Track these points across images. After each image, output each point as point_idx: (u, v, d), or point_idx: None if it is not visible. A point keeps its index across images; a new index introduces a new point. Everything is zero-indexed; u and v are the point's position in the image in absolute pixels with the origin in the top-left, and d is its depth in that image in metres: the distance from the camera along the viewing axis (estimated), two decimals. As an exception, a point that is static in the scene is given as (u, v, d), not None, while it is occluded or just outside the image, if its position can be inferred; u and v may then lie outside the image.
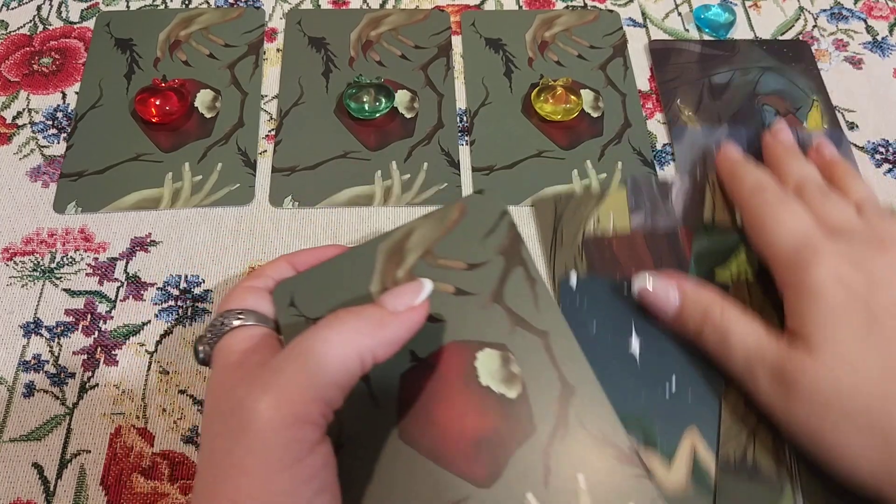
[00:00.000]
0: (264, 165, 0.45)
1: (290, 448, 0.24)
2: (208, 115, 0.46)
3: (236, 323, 0.30)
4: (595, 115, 0.48)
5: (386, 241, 0.34)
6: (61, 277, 0.40)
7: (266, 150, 0.45)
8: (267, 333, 0.31)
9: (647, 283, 0.35)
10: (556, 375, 0.29)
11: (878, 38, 0.53)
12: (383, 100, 0.46)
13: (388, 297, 0.29)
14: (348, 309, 0.28)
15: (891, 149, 0.47)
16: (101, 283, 0.40)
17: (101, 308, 0.39)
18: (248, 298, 0.32)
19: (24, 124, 0.46)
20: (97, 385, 0.37)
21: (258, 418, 0.24)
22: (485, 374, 0.29)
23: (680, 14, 0.54)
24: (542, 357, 0.29)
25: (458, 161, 0.45)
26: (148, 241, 0.42)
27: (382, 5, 0.53)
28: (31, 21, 0.51)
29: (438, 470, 0.28)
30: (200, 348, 0.31)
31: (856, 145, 0.47)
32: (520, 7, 0.53)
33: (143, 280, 0.40)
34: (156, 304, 0.39)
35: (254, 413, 0.24)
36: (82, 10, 0.52)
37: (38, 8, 0.52)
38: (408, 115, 0.47)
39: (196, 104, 0.47)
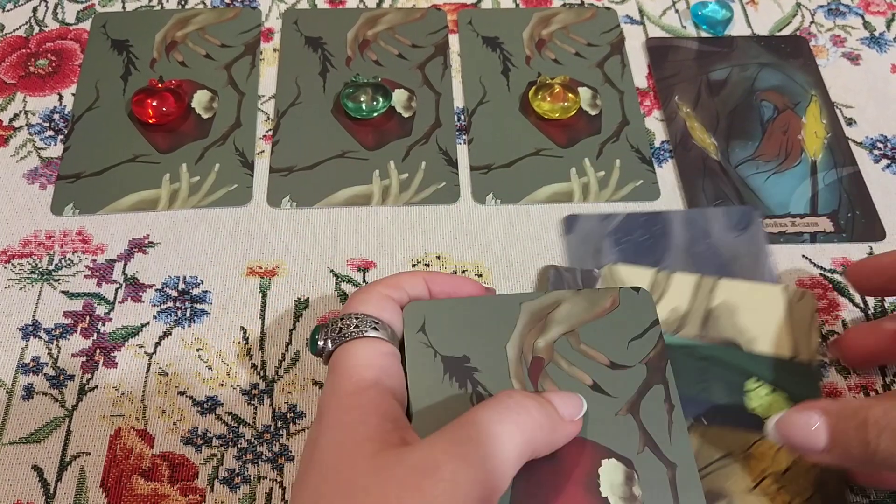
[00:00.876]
0: (262, 166, 0.45)
1: None
2: (205, 116, 0.46)
3: (372, 334, 0.29)
4: (593, 112, 0.47)
5: (531, 301, 0.33)
6: (59, 279, 0.40)
7: (264, 151, 0.45)
8: (395, 354, 0.30)
9: (775, 420, 0.29)
10: None
11: (876, 33, 0.53)
12: (381, 99, 0.46)
13: (560, 403, 0.28)
14: (527, 394, 0.27)
15: (889, 144, 0.47)
16: (99, 284, 0.40)
17: (100, 310, 0.39)
18: (386, 308, 0.31)
19: (21, 126, 0.46)
20: (96, 387, 0.37)
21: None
22: (606, 485, 0.28)
23: (677, 11, 0.54)
24: (666, 490, 0.28)
25: (457, 160, 0.45)
26: (146, 242, 0.42)
27: (379, 4, 0.53)
28: (26, 23, 0.51)
29: None
30: (322, 343, 0.29)
31: (854, 141, 0.47)
32: (517, 5, 0.53)
33: (141, 282, 0.40)
34: (154, 305, 0.39)
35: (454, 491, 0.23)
36: (78, 12, 0.51)
37: (34, 10, 0.52)
38: (405, 115, 0.47)
39: (193, 105, 0.47)
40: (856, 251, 0.43)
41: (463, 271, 0.41)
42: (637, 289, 0.33)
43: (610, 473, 0.28)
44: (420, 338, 0.31)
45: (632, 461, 0.28)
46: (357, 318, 0.29)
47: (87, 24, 0.51)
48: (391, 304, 0.31)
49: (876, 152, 0.47)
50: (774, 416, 0.29)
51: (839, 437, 0.27)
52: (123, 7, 0.52)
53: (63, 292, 0.40)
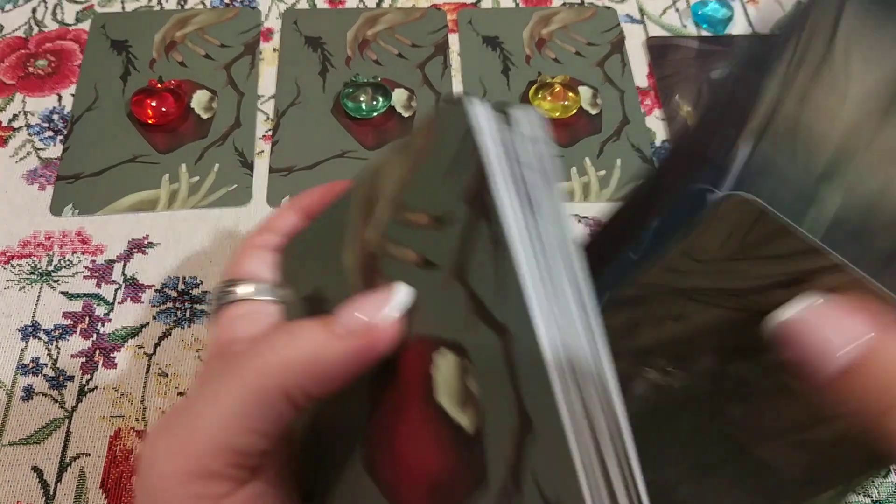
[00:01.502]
0: (262, 166, 0.45)
1: None
2: (205, 116, 0.46)
3: (233, 297, 0.26)
4: (593, 112, 0.47)
5: (361, 185, 0.25)
6: (59, 280, 0.40)
7: (263, 151, 0.45)
8: (262, 309, 0.26)
9: (807, 306, 0.19)
10: (513, 401, 0.19)
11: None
12: (380, 99, 0.46)
13: (342, 311, 0.22)
14: (286, 328, 0.22)
15: (890, 143, 0.47)
16: (98, 285, 0.40)
17: (100, 311, 0.39)
18: (249, 262, 0.27)
19: (20, 127, 0.46)
20: (96, 388, 0.37)
21: (155, 473, 0.21)
22: (441, 389, 0.21)
23: (677, 10, 0.53)
24: (500, 367, 0.19)
25: (457, 159, 0.45)
26: (145, 242, 0.41)
27: (379, 4, 0.53)
28: (26, 23, 0.51)
29: None
30: (210, 317, 0.28)
31: (855, 140, 0.47)
32: (517, 4, 0.53)
33: (140, 282, 0.40)
34: (154, 306, 0.39)
35: (153, 466, 0.21)
36: (77, 12, 0.51)
37: (34, 10, 0.51)
38: (405, 114, 0.47)
39: (192, 105, 0.47)
40: (857, 250, 0.42)
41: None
42: (458, 99, 0.21)
43: (443, 370, 0.21)
44: (289, 279, 0.27)
45: (460, 343, 0.21)
46: (223, 286, 0.27)
47: (86, 25, 0.51)
48: (259, 253, 0.27)
49: (877, 151, 0.46)
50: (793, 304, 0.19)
51: (863, 379, 0.18)
52: (123, 7, 0.52)
53: (62, 293, 0.40)
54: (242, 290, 0.26)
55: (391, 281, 0.22)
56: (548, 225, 0.20)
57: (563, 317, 0.19)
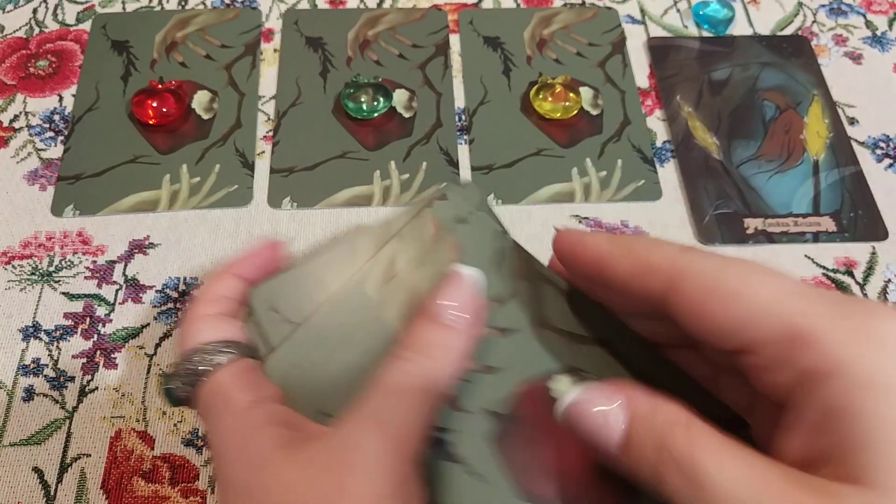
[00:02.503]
0: (262, 166, 0.45)
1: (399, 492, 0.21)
2: (206, 117, 0.46)
3: (220, 359, 0.26)
4: (594, 112, 0.47)
5: (366, 235, 0.29)
6: (60, 281, 0.40)
7: (264, 151, 0.45)
8: (255, 365, 0.27)
9: (574, 394, 0.21)
10: (630, 377, 0.25)
11: (878, 33, 0.53)
12: (381, 99, 0.46)
13: (436, 307, 0.24)
14: (412, 339, 0.24)
15: (891, 143, 0.47)
16: (99, 286, 0.40)
17: (100, 311, 0.39)
18: (220, 327, 0.28)
19: (21, 127, 0.46)
20: (97, 388, 0.37)
21: (364, 460, 0.22)
22: (557, 389, 0.26)
23: (678, 11, 0.53)
24: (614, 365, 0.25)
25: (458, 160, 0.45)
26: (146, 243, 0.41)
27: (380, 4, 0.53)
28: (27, 24, 0.51)
29: None
30: (180, 393, 0.27)
31: (856, 140, 0.47)
32: (518, 5, 0.53)
33: (141, 283, 0.40)
34: (155, 306, 0.39)
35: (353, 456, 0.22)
36: (78, 13, 0.51)
37: (34, 11, 0.51)
38: (406, 115, 0.47)
39: (193, 105, 0.47)
40: (858, 251, 0.42)
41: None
42: (443, 196, 0.28)
43: (561, 386, 0.25)
44: (275, 317, 0.29)
45: (574, 365, 0.26)
46: (201, 352, 0.27)
47: (87, 25, 0.51)
48: (219, 320, 0.28)
49: (878, 152, 0.46)
50: (564, 382, 0.22)
51: (634, 446, 0.20)
52: (123, 8, 0.52)
53: (63, 293, 0.40)
54: (230, 351, 0.27)
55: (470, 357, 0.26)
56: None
57: None
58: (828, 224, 0.43)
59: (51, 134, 0.46)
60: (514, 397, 0.26)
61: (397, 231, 0.29)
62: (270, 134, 0.46)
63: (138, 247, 0.41)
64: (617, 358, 0.25)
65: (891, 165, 0.46)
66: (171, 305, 0.39)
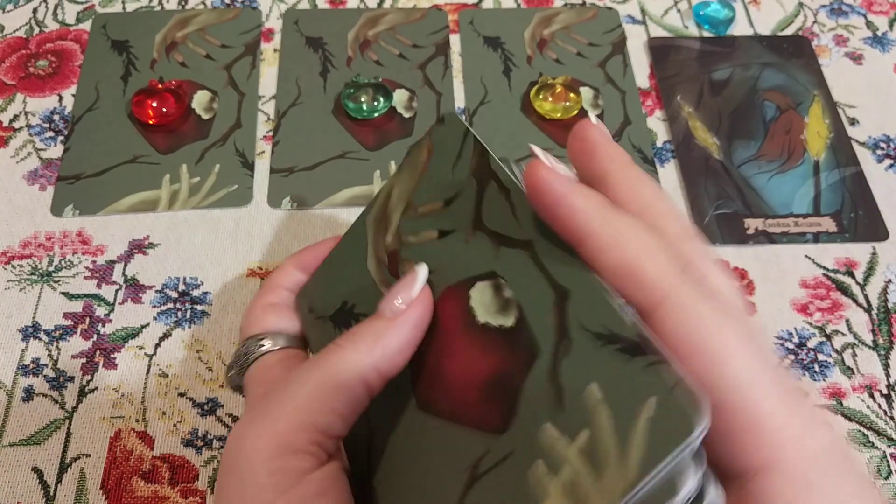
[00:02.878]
0: (262, 166, 0.45)
1: (272, 480, 0.23)
2: (205, 117, 0.46)
3: (261, 350, 0.29)
4: (595, 112, 0.47)
5: (371, 210, 0.31)
6: (59, 281, 0.40)
7: (264, 151, 0.45)
8: (294, 354, 0.30)
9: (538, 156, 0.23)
10: (546, 283, 0.24)
11: (879, 33, 0.52)
12: (381, 99, 0.46)
13: (384, 302, 0.26)
14: (351, 330, 0.26)
15: (892, 144, 0.47)
16: (99, 286, 0.40)
17: (100, 311, 0.39)
18: (269, 318, 0.30)
19: (21, 127, 0.46)
20: (96, 389, 0.37)
21: (242, 453, 0.23)
22: (480, 311, 0.26)
23: (679, 11, 0.53)
24: (531, 269, 0.25)
25: (458, 160, 0.45)
26: (146, 243, 0.41)
27: (380, 4, 0.53)
28: (27, 24, 0.51)
29: (455, 429, 0.26)
30: (230, 375, 0.30)
31: (857, 141, 0.47)
32: (518, 5, 0.53)
33: (141, 283, 0.40)
34: (154, 306, 0.39)
35: (241, 445, 0.23)
36: (78, 13, 0.51)
37: (34, 10, 0.51)
38: (406, 115, 0.47)
39: (193, 105, 0.47)
40: (859, 251, 0.42)
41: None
42: (442, 118, 0.29)
43: (479, 298, 0.26)
44: (311, 317, 0.31)
45: (493, 271, 0.26)
46: (245, 345, 0.30)
47: (87, 25, 0.51)
48: (273, 310, 0.31)
49: (879, 152, 0.46)
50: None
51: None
52: (123, 8, 0.52)
53: (63, 293, 0.40)
54: (270, 341, 0.29)
55: (414, 263, 0.28)
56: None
57: None
58: (828, 224, 0.43)
59: (50, 134, 0.46)
60: (436, 302, 0.27)
61: (397, 169, 0.31)
62: (270, 134, 0.46)
63: (138, 247, 0.41)
64: (534, 261, 0.25)
65: (891, 166, 0.46)
66: (170, 305, 0.39)
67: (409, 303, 0.26)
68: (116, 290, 0.40)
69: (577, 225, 0.22)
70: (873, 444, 0.36)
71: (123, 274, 0.40)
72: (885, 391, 0.38)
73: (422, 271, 0.26)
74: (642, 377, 0.21)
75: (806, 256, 0.42)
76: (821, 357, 0.39)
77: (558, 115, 0.46)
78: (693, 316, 0.20)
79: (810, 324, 0.40)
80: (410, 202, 0.29)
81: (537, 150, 0.24)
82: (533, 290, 0.25)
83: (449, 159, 0.29)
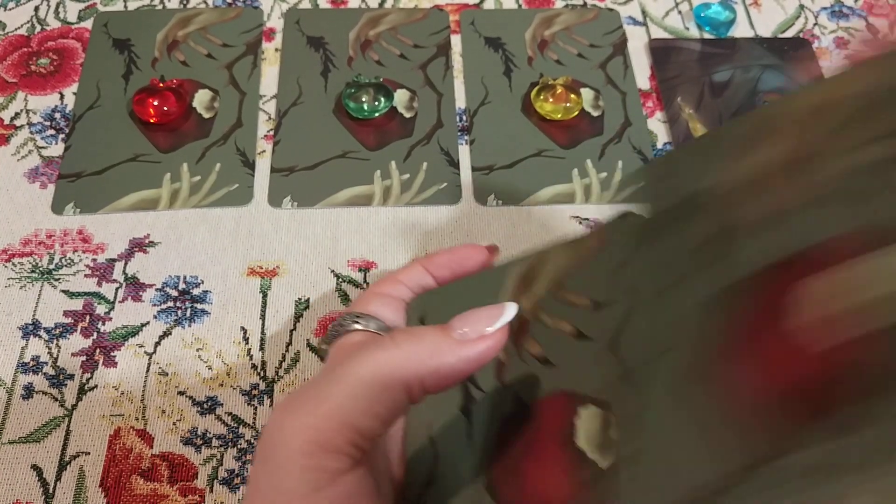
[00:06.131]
0: (263, 166, 0.45)
1: (307, 477, 0.23)
2: (206, 116, 0.46)
3: (354, 326, 0.30)
4: (595, 113, 0.47)
5: (521, 264, 0.30)
6: (60, 279, 0.40)
7: (265, 151, 0.45)
8: (374, 339, 0.29)
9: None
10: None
11: (879, 36, 0.53)
12: (382, 99, 0.46)
13: (458, 320, 0.25)
14: (409, 329, 0.25)
15: (892, 147, 0.47)
16: (99, 284, 0.40)
17: (100, 309, 0.39)
18: (373, 303, 0.31)
19: (22, 125, 0.46)
20: (96, 387, 0.37)
21: (280, 443, 0.23)
22: (582, 436, 0.25)
23: (680, 12, 0.53)
24: (637, 420, 0.24)
25: (458, 160, 0.45)
26: (146, 241, 0.41)
27: (381, 4, 0.53)
28: (28, 22, 0.51)
29: None
30: (323, 347, 0.30)
31: (857, 143, 0.47)
32: (519, 6, 0.53)
33: (141, 281, 0.40)
34: (154, 305, 0.39)
35: (278, 436, 0.23)
36: (80, 11, 0.51)
37: (36, 8, 0.51)
38: (407, 115, 0.47)
39: (194, 104, 0.47)
40: (858, 254, 0.42)
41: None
42: (625, 215, 0.28)
43: (586, 422, 0.25)
44: (419, 325, 0.31)
45: (610, 402, 0.25)
46: (343, 319, 0.30)
47: (88, 23, 0.51)
48: (381, 298, 0.31)
49: (879, 155, 0.46)
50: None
51: None
52: (125, 6, 0.52)
53: (63, 291, 0.40)
54: (363, 322, 0.30)
55: (539, 345, 0.28)
56: None
57: None
58: (828, 227, 0.43)
59: (52, 132, 0.46)
60: (544, 397, 0.26)
61: (565, 242, 0.30)
62: (271, 133, 0.46)
63: (138, 245, 0.41)
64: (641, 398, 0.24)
65: (891, 168, 0.46)
66: (170, 304, 0.39)
67: (480, 336, 0.25)
68: (117, 289, 0.40)
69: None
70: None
71: (124, 272, 0.40)
72: None
73: (510, 309, 0.25)
74: None
75: (805, 258, 0.42)
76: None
77: (559, 115, 0.46)
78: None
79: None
80: (562, 282, 0.29)
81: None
82: (635, 445, 0.23)
83: (615, 262, 0.27)
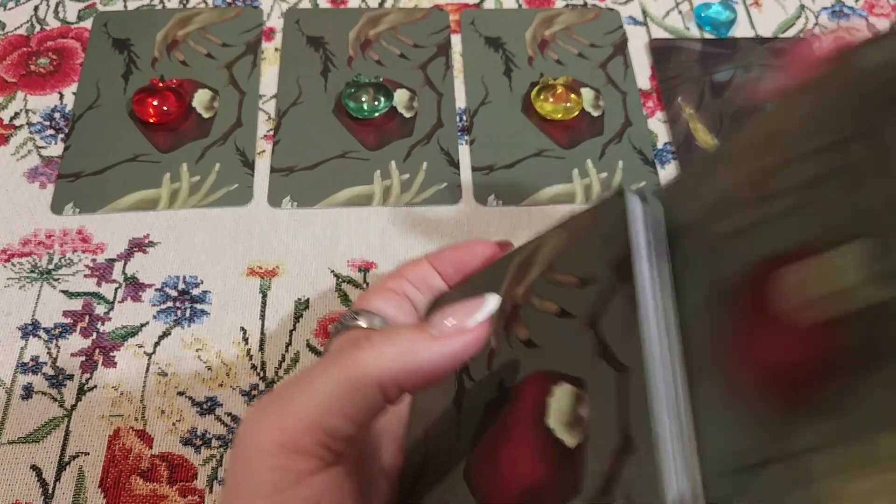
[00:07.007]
0: (263, 165, 0.45)
1: (270, 477, 0.22)
2: (206, 116, 0.46)
3: (354, 323, 0.29)
4: (595, 113, 0.47)
5: (521, 253, 0.30)
6: (59, 279, 0.40)
7: (264, 150, 0.45)
8: (370, 335, 0.29)
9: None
10: (618, 425, 0.22)
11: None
12: (382, 99, 0.46)
13: (438, 315, 0.24)
14: (387, 328, 0.25)
15: (893, 147, 0.47)
16: (99, 284, 0.40)
17: (100, 309, 0.39)
18: (375, 300, 0.30)
19: (22, 125, 0.46)
20: (95, 387, 0.37)
21: (249, 442, 0.23)
22: (553, 414, 0.24)
23: (680, 12, 0.53)
24: (612, 398, 0.23)
25: (458, 160, 0.45)
26: (146, 242, 0.41)
27: (381, 4, 0.53)
28: (28, 21, 0.51)
29: None
30: (327, 342, 0.30)
31: (857, 143, 0.47)
32: (519, 5, 0.53)
33: (141, 281, 0.40)
34: (154, 305, 0.39)
35: (249, 435, 0.23)
36: (79, 11, 0.51)
37: (35, 8, 0.51)
38: (407, 115, 0.47)
39: (194, 104, 0.47)
40: (859, 254, 0.42)
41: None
42: (621, 191, 0.26)
43: (558, 399, 0.24)
44: None
45: (583, 379, 0.24)
46: (344, 315, 0.30)
47: (88, 23, 0.51)
48: (387, 294, 0.31)
49: (879, 155, 0.46)
50: None
51: None
52: (125, 6, 0.52)
53: (63, 291, 0.40)
54: (365, 319, 0.29)
55: (525, 328, 0.27)
56: (664, 289, 0.24)
57: (671, 361, 0.23)
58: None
59: (51, 132, 0.46)
60: (523, 379, 0.26)
61: (562, 223, 0.29)
62: (271, 133, 0.46)
63: (138, 245, 0.41)
64: (619, 394, 0.23)
65: (892, 168, 0.46)
66: (170, 304, 0.39)
67: (458, 330, 0.24)
68: (116, 289, 0.40)
69: None
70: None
71: (123, 272, 0.40)
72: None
73: (491, 302, 0.24)
74: None
75: (806, 259, 0.42)
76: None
77: (559, 115, 0.46)
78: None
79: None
80: (553, 263, 0.28)
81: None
82: (604, 424, 0.23)
83: (603, 238, 0.26)
